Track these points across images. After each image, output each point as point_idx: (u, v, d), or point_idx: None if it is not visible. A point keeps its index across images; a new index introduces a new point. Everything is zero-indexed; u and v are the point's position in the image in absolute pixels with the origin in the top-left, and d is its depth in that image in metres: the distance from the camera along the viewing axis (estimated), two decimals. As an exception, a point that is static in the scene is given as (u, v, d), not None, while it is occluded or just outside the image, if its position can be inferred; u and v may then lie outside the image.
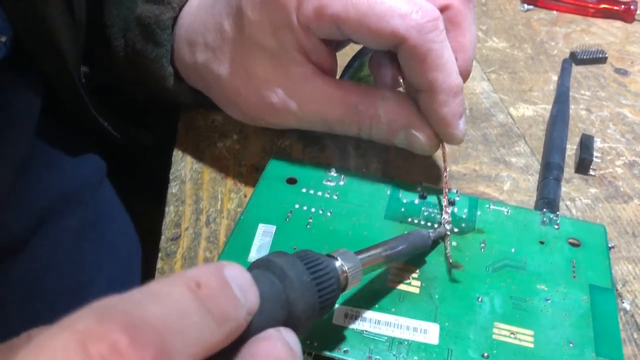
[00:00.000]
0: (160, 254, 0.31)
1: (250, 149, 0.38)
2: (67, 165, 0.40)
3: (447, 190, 0.32)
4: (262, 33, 0.31)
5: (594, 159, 0.37)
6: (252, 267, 0.22)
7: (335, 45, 0.33)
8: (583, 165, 0.37)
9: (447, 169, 0.33)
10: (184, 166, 0.37)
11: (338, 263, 0.23)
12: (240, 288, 0.18)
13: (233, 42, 0.33)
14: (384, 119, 0.32)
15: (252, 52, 0.32)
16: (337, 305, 0.27)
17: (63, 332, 0.14)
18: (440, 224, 0.31)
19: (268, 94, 0.33)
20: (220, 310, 0.17)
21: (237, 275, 0.18)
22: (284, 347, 0.19)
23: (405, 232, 0.29)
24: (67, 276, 0.39)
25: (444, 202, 0.31)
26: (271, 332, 0.19)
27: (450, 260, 0.29)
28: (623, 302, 0.29)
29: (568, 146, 0.39)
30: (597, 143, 0.39)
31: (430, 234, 0.30)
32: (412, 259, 0.29)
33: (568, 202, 0.35)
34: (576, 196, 0.36)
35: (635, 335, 0.28)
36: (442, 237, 0.30)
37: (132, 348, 0.14)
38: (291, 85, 0.32)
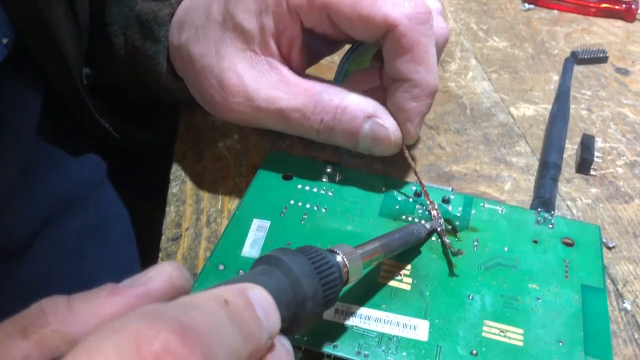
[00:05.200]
0: (160, 254, 0.31)
1: (250, 148, 0.38)
2: (69, 166, 0.40)
3: (425, 189, 0.32)
4: (245, 12, 0.31)
5: (594, 158, 0.37)
6: (257, 264, 0.22)
7: (315, 51, 0.33)
8: (584, 165, 0.37)
9: (416, 168, 0.33)
10: (184, 166, 0.37)
11: (339, 257, 0.24)
12: (264, 311, 0.18)
13: (215, 22, 0.33)
14: (349, 108, 0.31)
15: (228, 32, 0.32)
16: None
17: (114, 333, 0.15)
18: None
19: (229, 74, 0.32)
20: (246, 327, 0.17)
21: (260, 299, 0.19)
22: (282, 348, 0.19)
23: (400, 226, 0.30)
24: (70, 278, 0.39)
25: (428, 201, 0.32)
26: None
27: (452, 249, 0.29)
28: (624, 302, 0.29)
29: (569, 146, 0.39)
30: (598, 143, 0.39)
31: (426, 225, 0.30)
32: (405, 255, 0.29)
33: (569, 202, 0.35)
34: (577, 196, 0.36)
35: (636, 335, 0.28)
36: (437, 232, 0.31)
37: (183, 348, 0.15)
38: (255, 72, 0.32)
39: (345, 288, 0.26)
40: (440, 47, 0.33)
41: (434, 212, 0.31)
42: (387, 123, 0.31)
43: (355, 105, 0.31)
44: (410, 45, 0.29)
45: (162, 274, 0.19)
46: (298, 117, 0.32)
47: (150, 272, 0.19)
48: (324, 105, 0.31)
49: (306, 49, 0.33)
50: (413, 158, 0.33)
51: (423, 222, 0.31)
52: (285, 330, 0.20)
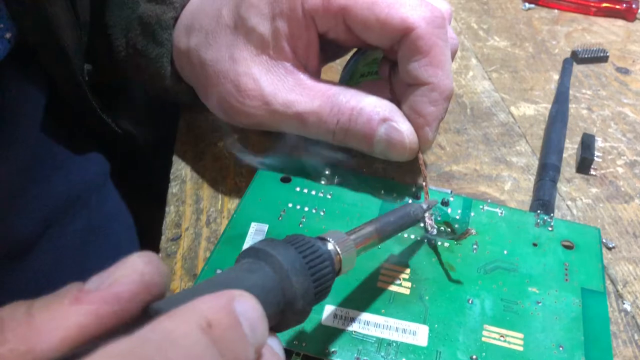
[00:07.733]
0: (160, 254, 0.31)
1: (250, 148, 0.38)
2: (72, 166, 0.40)
3: (428, 197, 0.32)
4: (259, 17, 0.31)
5: (595, 158, 0.37)
6: (242, 256, 0.21)
7: (325, 54, 0.33)
8: (584, 165, 0.37)
9: (427, 177, 0.32)
10: (184, 166, 0.37)
11: (331, 246, 0.22)
12: (251, 325, 0.17)
13: (227, 27, 0.33)
14: (365, 110, 0.31)
15: (241, 36, 0.32)
16: (327, 305, 0.26)
17: None
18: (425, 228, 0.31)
19: (245, 79, 0.32)
20: (230, 351, 0.16)
21: (247, 311, 0.17)
22: (266, 350, 0.18)
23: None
24: (72, 279, 0.38)
25: (425, 206, 0.31)
26: None
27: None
28: (624, 303, 0.29)
29: (569, 145, 0.39)
30: (598, 142, 0.39)
31: (423, 205, 0.29)
32: (404, 259, 0.29)
33: (569, 202, 0.35)
34: (577, 196, 0.36)
35: (636, 337, 0.28)
36: (438, 233, 0.30)
37: None
38: (271, 76, 0.32)
39: (339, 294, 0.26)
40: (451, 57, 0.33)
41: (428, 222, 0.30)
42: (403, 127, 0.31)
43: (372, 107, 0.31)
44: (428, 48, 0.29)
45: (132, 272, 0.17)
46: (315, 120, 0.31)
47: (118, 270, 0.17)
48: (340, 106, 0.31)
49: (321, 52, 0.33)
50: (425, 166, 0.32)
51: (422, 204, 0.29)
52: (271, 328, 0.19)
